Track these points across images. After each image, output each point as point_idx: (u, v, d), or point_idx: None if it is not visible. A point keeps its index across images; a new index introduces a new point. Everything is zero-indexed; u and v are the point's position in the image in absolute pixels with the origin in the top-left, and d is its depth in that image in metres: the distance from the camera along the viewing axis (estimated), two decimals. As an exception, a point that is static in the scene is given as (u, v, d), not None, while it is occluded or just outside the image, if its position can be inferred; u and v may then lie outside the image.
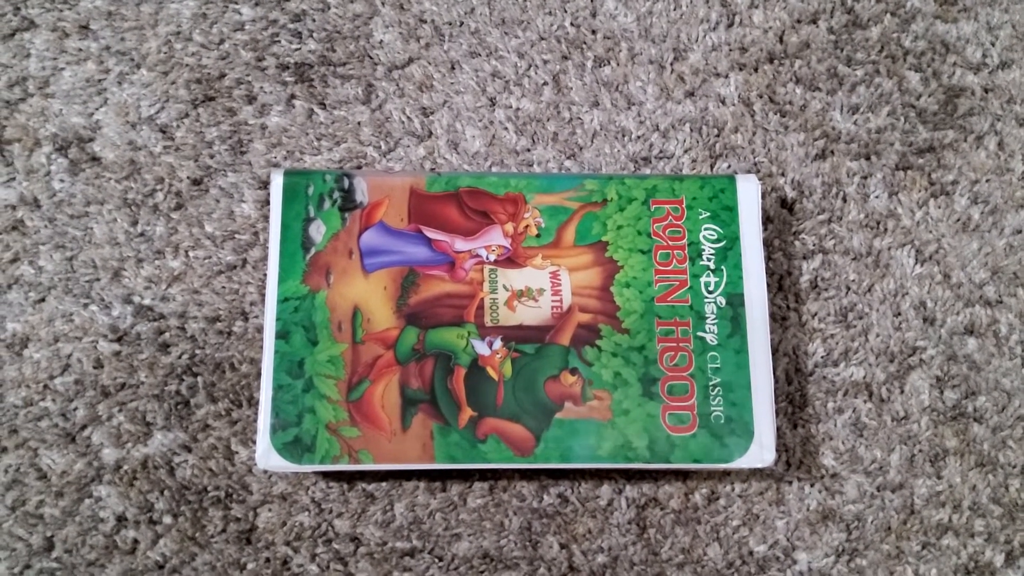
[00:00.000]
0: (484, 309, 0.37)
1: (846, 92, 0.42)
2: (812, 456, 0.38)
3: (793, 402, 0.39)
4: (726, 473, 0.38)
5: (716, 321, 0.37)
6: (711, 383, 0.36)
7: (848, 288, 0.40)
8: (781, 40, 0.42)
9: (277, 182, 0.38)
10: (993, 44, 0.42)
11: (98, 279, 0.40)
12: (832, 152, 0.41)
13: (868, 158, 0.41)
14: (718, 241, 0.38)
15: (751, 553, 0.37)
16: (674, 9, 0.43)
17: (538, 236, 0.38)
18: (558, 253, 0.38)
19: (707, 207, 0.38)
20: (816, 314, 0.40)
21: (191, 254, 0.40)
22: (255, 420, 0.38)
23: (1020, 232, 0.40)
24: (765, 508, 0.38)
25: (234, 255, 0.40)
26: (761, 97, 0.42)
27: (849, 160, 0.41)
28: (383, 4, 0.43)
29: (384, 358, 0.37)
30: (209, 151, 0.41)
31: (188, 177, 0.41)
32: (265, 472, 0.38)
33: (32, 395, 0.38)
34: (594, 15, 0.43)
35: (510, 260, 0.38)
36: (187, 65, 0.42)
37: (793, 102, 0.42)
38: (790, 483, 0.38)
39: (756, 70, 0.42)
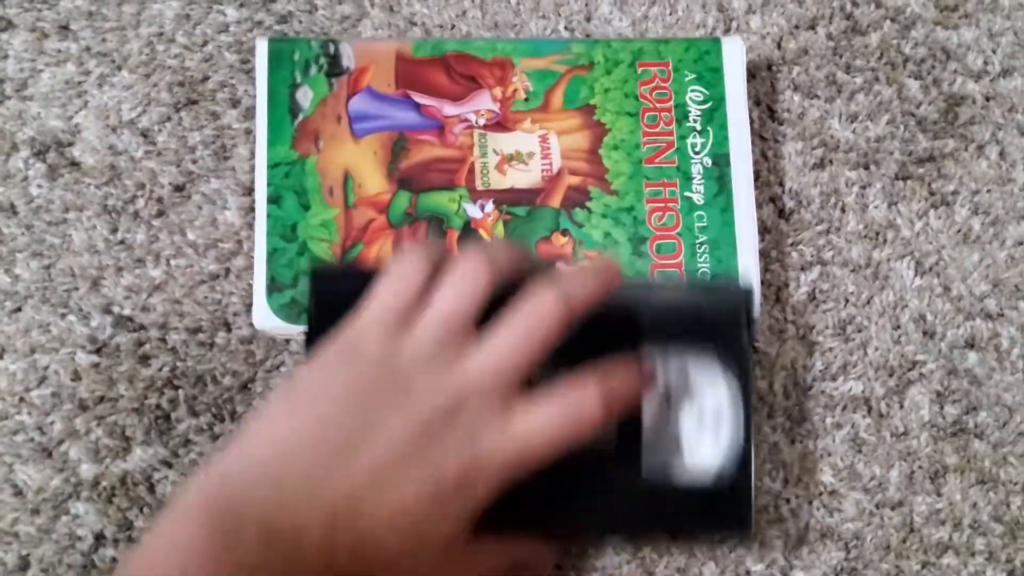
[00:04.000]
0: (475, 173, 0.38)
1: (845, 100, 0.41)
2: (810, 472, 0.38)
3: (791, 417, 0.38)
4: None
5: (702, 181, 0.38)
6: (698, 241, 0.37)
7: (846, 300, 0.39)
8: (779, 46, 0.42)
9: (262, 48, 0.38)
10: (994, 51, 0.42)
11: (76, 288, 0.39)
12: (831, 161, 0.40)
13: (867, 167, 0.40)
14: (704, 103, 0.39)
15: (748, 572, 0.37)
16: (670, 14, 0.42)
17: (526, 100, 0.39)
18: (547, 117, 0.39)
19: (693, 69, 0.39)
20: (814, 327, 0.39)
21: (172, 263, 0.39)
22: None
23: (1022, 244, 0.40)
24: (762, 526, 0.37)
25: (217, 264, 0.39)
26: (759, 104, 0.41)
27: (848, 169, 0.40)
28: (372, 6, 0.42)
29: (377, 222, 0.37)
30: (192, 156, 0.40)
31: (170, 183, 0.40)
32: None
33: (7, 408, 0.37)
34: (588, 19, 0.42)
35: (499, 124, 0.39)
36: (170, 67, 0.41)
37: (791, 110, 0.41)
38: (788, 500, 0.37)
39: (753, 77, 0.41)
